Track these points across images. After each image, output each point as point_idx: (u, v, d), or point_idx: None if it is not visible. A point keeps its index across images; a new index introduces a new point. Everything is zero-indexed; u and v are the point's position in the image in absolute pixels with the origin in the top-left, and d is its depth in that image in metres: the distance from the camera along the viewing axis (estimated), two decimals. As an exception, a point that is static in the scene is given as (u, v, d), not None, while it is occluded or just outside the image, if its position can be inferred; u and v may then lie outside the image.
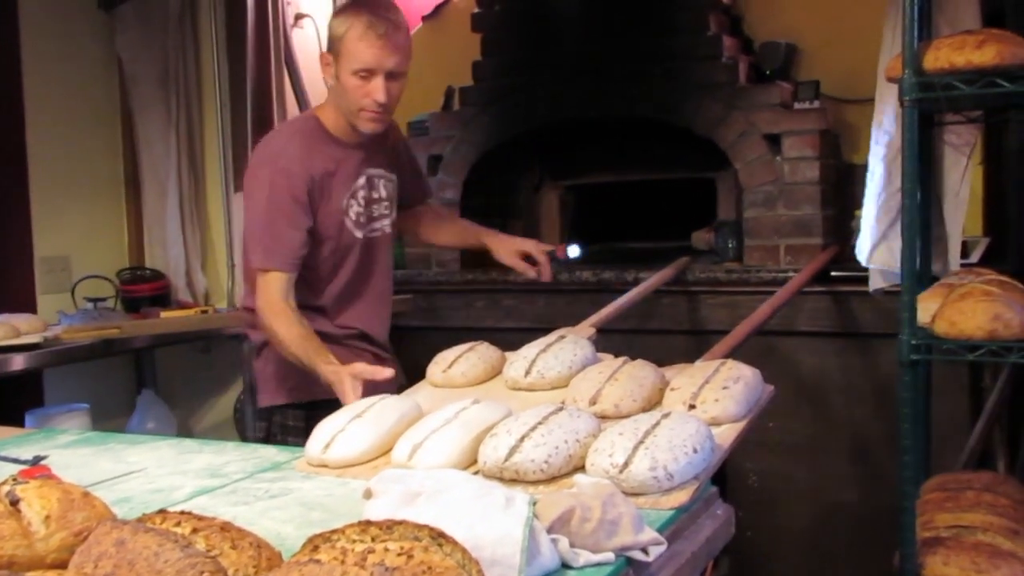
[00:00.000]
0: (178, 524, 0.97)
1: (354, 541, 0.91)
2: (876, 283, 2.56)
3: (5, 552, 0.99)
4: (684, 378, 1.64)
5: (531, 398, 1.74)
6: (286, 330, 2.08)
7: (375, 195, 2.32)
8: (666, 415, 1.40)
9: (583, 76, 3.36)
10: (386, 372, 1.89)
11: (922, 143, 1.95)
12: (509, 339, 2.06)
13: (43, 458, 1.67)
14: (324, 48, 2.23)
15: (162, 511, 1.02)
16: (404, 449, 1.47)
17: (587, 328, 2.18)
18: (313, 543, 0.93)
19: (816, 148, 3.03)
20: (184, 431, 3.86)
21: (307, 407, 2.19)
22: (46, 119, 3.58)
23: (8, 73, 3.44)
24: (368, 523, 0.94)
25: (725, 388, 1.57)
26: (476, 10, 3.60)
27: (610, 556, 1.07)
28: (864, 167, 2.54)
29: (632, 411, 1.57)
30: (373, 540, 0.91)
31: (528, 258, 2.40)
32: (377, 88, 2.12)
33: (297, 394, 2.24)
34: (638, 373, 1.67)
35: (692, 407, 1.54)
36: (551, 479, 1.35)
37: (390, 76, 2.13)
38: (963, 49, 1.85)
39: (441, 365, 1.92)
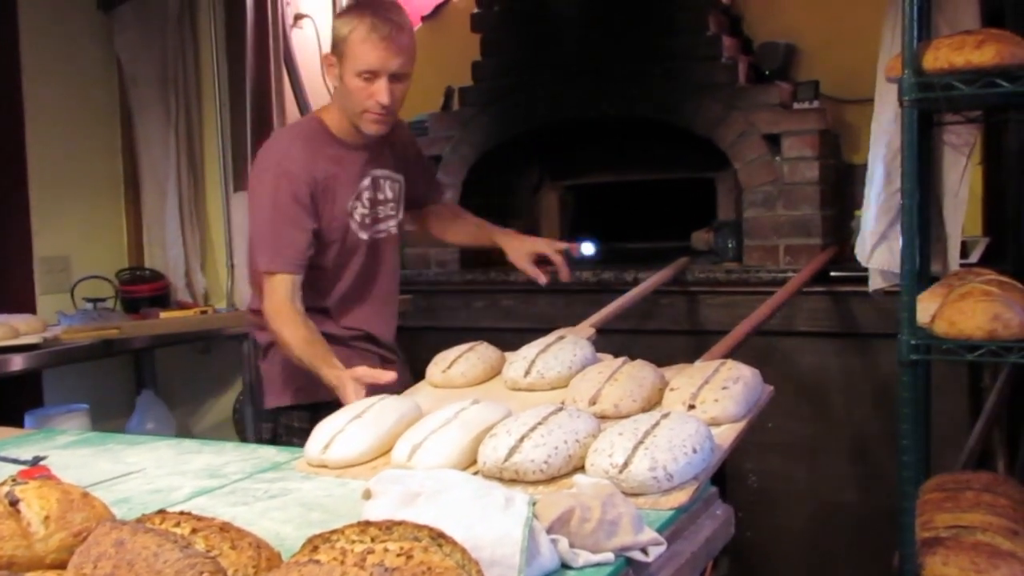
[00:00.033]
0: (177, 524, 0.97)
1: (353, 541, 0.91)
2: (876, 283, 2.56)
3: (4, 553, 0.99)
4: (684, 378, 1.64)
5: (531, 398, 1.74)
6: (291, 334, 2.08)
7: (380, 196, 2.31)
8: (666, 415, 1.40)
9: (583, 76, 3.36)
10: (388, 375, 1.88)
11: (921, 143, 1.95)
12: (509, 339, 2.06)
13: (42, 458, 1.67)
14: (328, 49, 2.23)
15: (161, 511, 1.02)
16: (403, 449, 1.47)
17: (587, 328, 2.18)
18: (312, 543, 0.93)
19: (815, 148, 3.03)
20: (183, 431, 3.86)
21: (312, 408, 2.19)
22: (45, 120, 3.58)
23: (7, 74, 3.44)
24: (367, 523, 0.94)
25: (725, 388, 1.57)
26: (475, 10, 3.60)
27: (610, 556, 1.07)
28: (863, 167, 2.54)
29: (632, 411, 1.57)
30: (372, 540, 0.91)
31: (542, 259, 2.38)
32: (381, 90, 2.11)
33: (303, 395, 2.23)
34: (638, 373, 1.67)
35: (692, 407, 1.54)
36: (551, 479, 1.35)
37: (394, 78, 2.12)
38: (962, 49, 1.85)
39: (440, 365, 1.92)
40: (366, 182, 2.27)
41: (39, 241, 3.55)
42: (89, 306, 3.56)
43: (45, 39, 3.58)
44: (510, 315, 3.32)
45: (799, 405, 2.92)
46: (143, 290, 3.74)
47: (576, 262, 2.39)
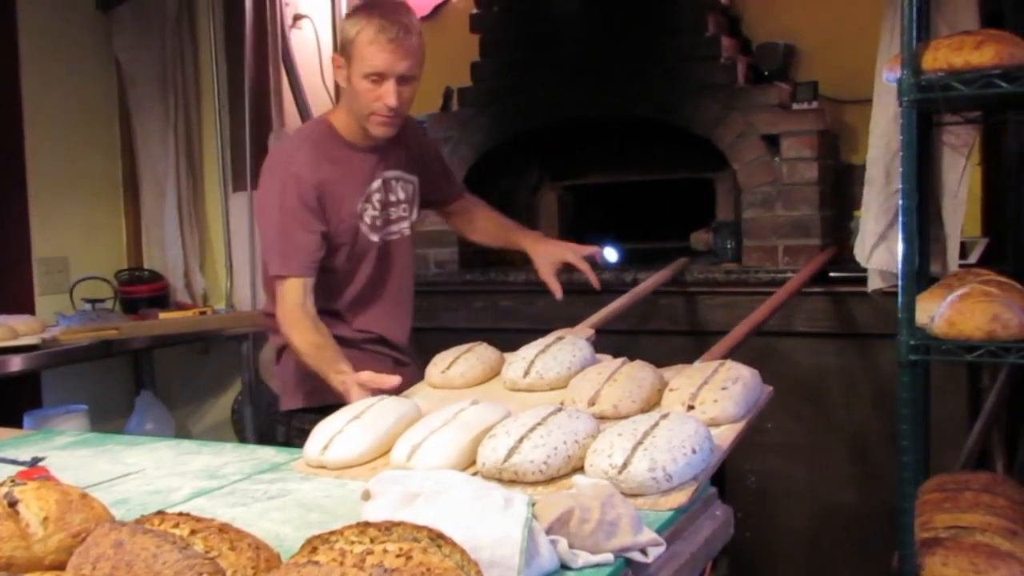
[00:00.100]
0: (176, 525, 0.97)
1: (353, 542, 0.91)
2: (875, 284, 2.56)
3: (3, 553, 0.99)
4: (683, 379, 1.64)
5: (530, 399, 1.74)
6: (301, 338, 2.08)
7: (392, 198, 2.30)
8: (665, 416, 1.40)
9: (582, 76, 3.36)
10: (393, 380, 1.86)
11: (921, 144, 1.95)
12: (508, 340, 2.05)
13: (41, 459, 1.67)
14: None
15: (160, 512, 1.02)
16: (403, 450, 1.47)
17: (586, 329, 2.18)
18: (312, 544, 0.93)
19: (814, 149, 3.03)
20: (182, 432, 3.86)
21: (322, 411, 2.19)
22: (44, 120, 3.58)
23: (6, 74, 3.44)
24: (367, 524, 0.94)
25: (724, 389, 1.57)
26: (474, 11, 3.60)
27: (609, 557, 1.07)
28: (862, 168, 2.53)
29: (631, 412, 1.57)
30: (372, 541, 0.91)
31: (568, 266, 2.36)
32: (388, 92, 2.10)
33: (313, 398, 2.22)
34: (637, 374, 1.67)
35: (691, 408, 1.54)
36: (550, 480, 1.35)
37: (401, 80, 2.11)
38: (961, 50, 1.85)
39: (440, 366, 1.92)
40: (376, 184, 2.25)
41: (38, 242, 3.55)
42: (88, 307, 3.56)
43: (44, 39, 3.59)
44: (509, 316, 3.32)
45: (798, 406, 2.92)
46: (142, 291, 3.74)
47: (592, 265, 2.39)
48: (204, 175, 3.94)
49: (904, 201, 1.91)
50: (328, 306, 2.21)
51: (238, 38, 3.70)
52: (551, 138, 3.60)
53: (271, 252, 2.17)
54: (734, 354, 2.07)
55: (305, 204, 2.13)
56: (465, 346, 1.97)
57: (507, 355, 1.95)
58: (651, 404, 1.62)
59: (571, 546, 1.06)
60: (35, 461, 1.66)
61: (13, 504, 1.03)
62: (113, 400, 3.78)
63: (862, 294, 2.67)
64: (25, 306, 3.44)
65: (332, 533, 0.93)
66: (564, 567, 1.05)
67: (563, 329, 2.10)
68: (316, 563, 0.87)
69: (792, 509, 2.98)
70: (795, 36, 3.33)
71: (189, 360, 3.89)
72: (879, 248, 2.47)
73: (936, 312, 1.90)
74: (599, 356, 1.90)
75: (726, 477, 2.93)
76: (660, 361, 1.82)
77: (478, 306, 3.39)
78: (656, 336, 3.08)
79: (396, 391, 1.85)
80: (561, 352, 1.84)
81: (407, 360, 2.35)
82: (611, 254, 2.52)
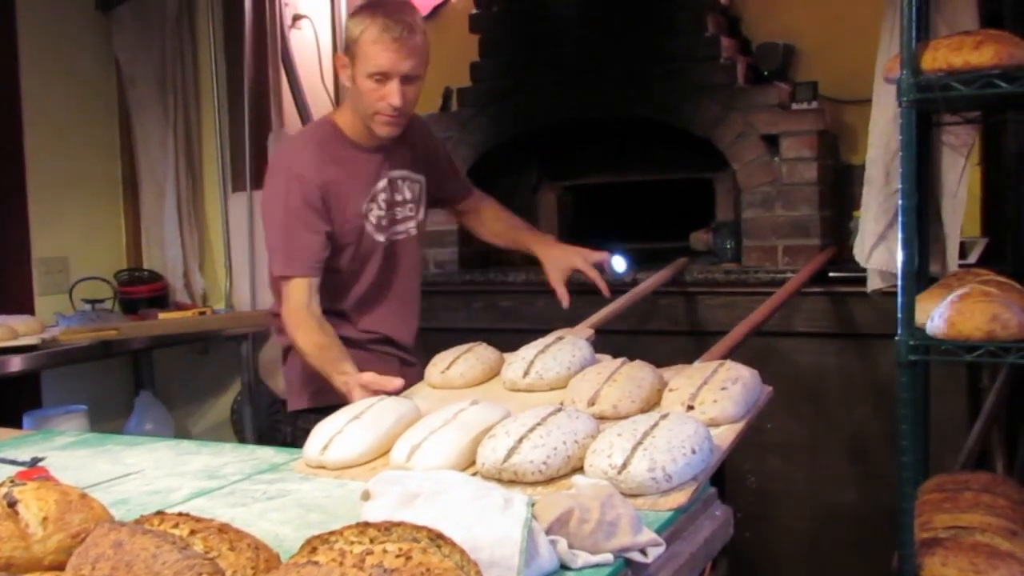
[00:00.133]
0: (176, 526, 0.97)
1: (352, 543, 0.91)
2: (874, 284, 2.56)
3: (3, 554, 0.99)
4: (682, 379, 1.64)
5: (529, 399, 1.74)
6: (305, 339, 2.09)
7: (398, 198, 2.29)
8: (664, 416, 1.40)
9: (581, 77, 3.36)
10: (396, 383, 1.85)
11: (920, 144, 1.95)
12: (507, 340, 2.05)
13: (41, 459, 1.67)
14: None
15: (160, 513, 1.02)
16: (402, 450, 1.47)
17: (585, 329, 2.18)
18: (311, 544, 0.93)
19: (814, 149, 3.03)
20: (182, 432, 3.86)
21: (327, 412, 2.19)
22: (44, 120, 3.58)
23: (6, 74, 3.44)
24: (366, 524, 0.94)
25: (723, 389, 1.57)
26: (474, 11, 3.60)
27: (608, 557, 1.07)
28: (862, 168, 2.53)
29: (631, 412, 1.57)
30: (371, 541, 0.91)
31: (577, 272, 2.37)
32: (392, 92, 2.10)
33: (318, 399, 2.21)
34: (636, 374, 1.67)
35: (690, 408, 1.54)
36: (549, 480, 1.35)
37: (406, 80, 2.10)
38: (961, 50, 1.85)
39: (439, 366, 1.92)
40: (382, 184, 2.25)
41: (37, 242, 3.55)
42: (87, 307, 3.56)
43: (44, 40, 3.59)
44: (509, 316, 3.32)
45: (798, 406, 2.92)
46: (141, 291, 3.74)
47: (600, 271, 2.39)
48: (203, 175, 3.94)
49: (903, 201, 1.91)
50: (333, 306, 2.21)
51: (237, 38, 3.70)
52: (551, 138, 3.60)
53: (275, 253, 2.17)
54: (734, 354, 2.07)
55: (309, 204, 2.13)
56: (465, 346, 1.97)
57: (507, 355, 1.95)
58: (651, 404, 1.62)
59: (571, 546, 1.06)
60: (35, 461, 1.66)
61: (13, 504, 1.03)
62: (112, 400, 3.78)
63: (862, 294, 2.67)
64: (25, 306, 3.44)
65: (332, 533, 0.93)
66: (564, 567, 1.05)
67: (563, 329, 2.10)
68: (316, 563, 0.87)
69: (792, 509, 2.98)
70: (795, 36, 3.33)
71: (188, 360, 3.89)
72: (879, 248, 2.47)
73: (936, 312, 1.90)
74: (599, 356, 1.90)
75: (726, 477, 2.93)
76: (660, 361, 1.82)
77: (478, 306, 3.39)
78: (656, 336, 3.08)
79: (398, 392, 1.85)
80: (561, 352, 1.84)
81: (414, 360, 2.34)
82: (619, 263, 2.51)
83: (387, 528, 0.92)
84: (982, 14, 2.28)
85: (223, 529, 0.98)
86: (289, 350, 2.29)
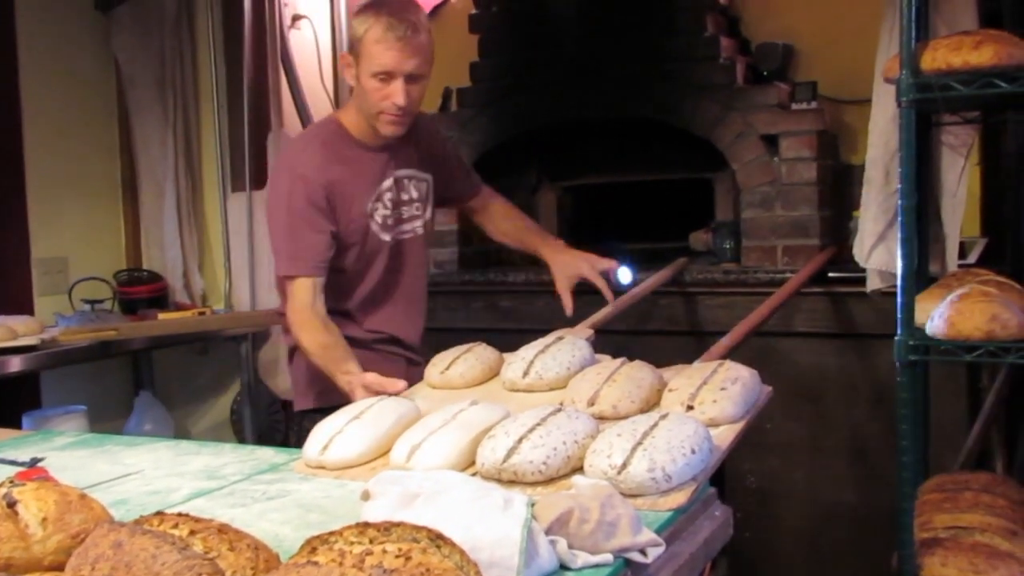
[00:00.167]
0: (175, 526, 0.97)
1: (352, 543, 0.91)
2: (874, 284, 2.56)
3: (2, 554, 0.99)
4: (682, 379, 1.64)
5: (529, 399, 1.74)
6: (309, 338, 2.09)
7: (404, 197, 2.29)
8: (664, 416, 1.40)
9: (581, 77, 3.36)
10: (399, 385, 1.85)
11: (919, 144, 1.95)
12: (507, 340, 2.05)
13: (40, 460, 1.67)
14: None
15: (159, 513, 1.01)
16: (402, 450, 1.47)
17: (585, 329, 2.18)
18: (311, 545, 0.93)
19: (813, 149, 3.03)
20: (181, 433, 3.86)
21: (331, 412, 2.20)
22: (43, 121, 3.58)
23: (5, 74, 3.44)
24: (366, 525, 0.93)
25: (723, 389, 1.57)
26: (473, 11, 3.60)
27: (608, 557, 1.07)
28: (862, 168, 2.54)
29: (630, 412, 1.57)
30: (371, 542, 0.91)
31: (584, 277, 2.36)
32: (396, 91, 2.09)
33: (323, 399, 2.21)
34: (636, 374, 1.67)
35: (690, 408, 1.54)
36: (549, 480, 1.35)
37: (410, 79, 2.10)
38: (960, 50, 1.85)
39: (439, 366, 1.92)
40: (387, 183, 2.24)
41: (37, 242, 3.55)
42: (87, 307, 3.56)
43: (42, 40, 3.58)
44: (508, 316, 3.32)
45: (797, 406, 2.92)
46: (141, 291, 3.74)
47: (606, 280, 2.39)
48: (203, 175, 3.94)
49: (903, 201, 1.91)
50: (339, 306, 2.21)
51: (237, 38, 3.69)
52: (550, 138, 3.59)
53: (280, 253, 2.17)
54: (733, 354, 2.07)
55: (313, 204, 2.13)
56: (464, 346, 1.97)
57: (506, 355, 1.95)
58: (650, 404, 1.62)
59: (570, 546, 1.06)
60: (34, 462, 1.66)
61: (12, 505, 1.03)
62: (112, 401, 3.77)
63: (861, 294, 2.67)
64: (24, 307, 3.43)
65: (331, 534, 0.93)
66: (563, 567, 1.05)
67: (562, 329, 2.10)
68: (315, 563, 0.87)
69: (792, 509, 2.98)
70: (794, 36, 3.33)
71: (188, 360, 3.89)
72: (878, 248, 2.47)
73: (935, 312, 1.90)
74: (598, 356, 1.90)
75: (725, 477, 2.93)
76: (659, 361, 1.82)
77: (477, 306, 3.39)
78: (655, 336, 3.08)
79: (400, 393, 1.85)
80: (560, 352, 1.84)
81: (420, 360, 2.32)
82: (625, 275, 2.52)
83: (387, 528, 0.92)
84: (981, 14, 2.28)
85: (223, 529, 0.98)
86: (295, 350, 2.28)
